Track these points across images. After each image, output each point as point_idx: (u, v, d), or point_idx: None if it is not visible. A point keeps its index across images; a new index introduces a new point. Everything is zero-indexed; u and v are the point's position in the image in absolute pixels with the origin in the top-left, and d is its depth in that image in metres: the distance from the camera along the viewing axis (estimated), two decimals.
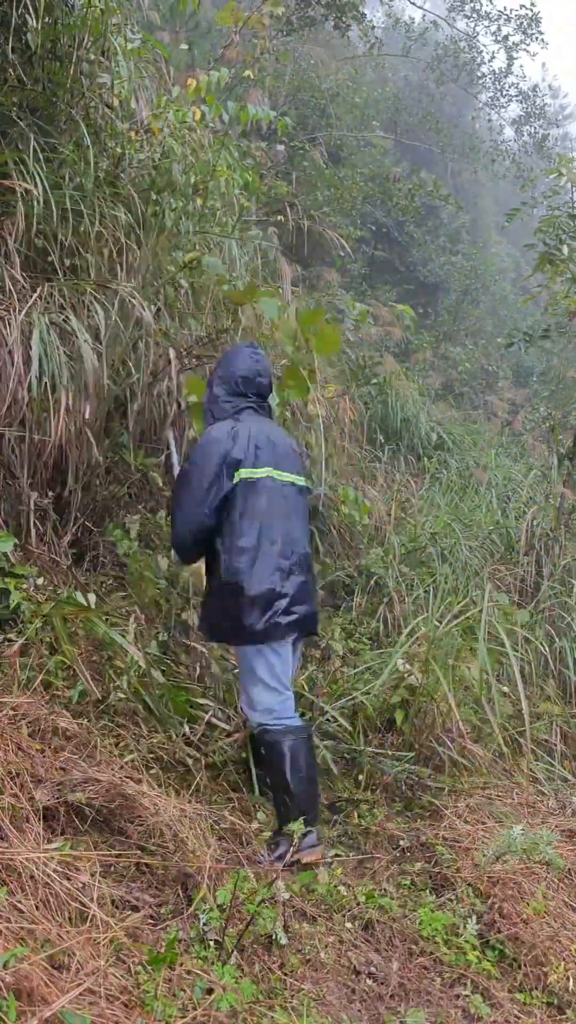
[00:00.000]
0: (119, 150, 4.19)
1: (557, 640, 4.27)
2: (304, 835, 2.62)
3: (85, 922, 1.93)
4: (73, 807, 2.29)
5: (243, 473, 2.87)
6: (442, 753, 3.35)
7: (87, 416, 3.35)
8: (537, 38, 15.01)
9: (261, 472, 2.89)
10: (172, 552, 3.32)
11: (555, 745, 3.71)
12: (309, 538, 3.12)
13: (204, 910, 2.18)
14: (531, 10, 14.77)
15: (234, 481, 2.86)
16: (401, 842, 2.93)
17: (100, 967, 1.80)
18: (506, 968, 2.39)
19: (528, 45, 15.51)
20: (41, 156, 3.61)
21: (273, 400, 3.30)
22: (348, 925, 2.46)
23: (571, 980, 2.33)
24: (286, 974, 2.15)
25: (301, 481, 3.06)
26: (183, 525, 2.90)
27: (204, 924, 2.15)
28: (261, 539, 2.82)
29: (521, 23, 14.92)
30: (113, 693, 2.93)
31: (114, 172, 4.18)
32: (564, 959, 2.38)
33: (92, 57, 4.01)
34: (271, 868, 2.52)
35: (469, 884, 2.60)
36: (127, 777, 2.49)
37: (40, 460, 3.31)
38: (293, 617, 2.82)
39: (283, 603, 2.80)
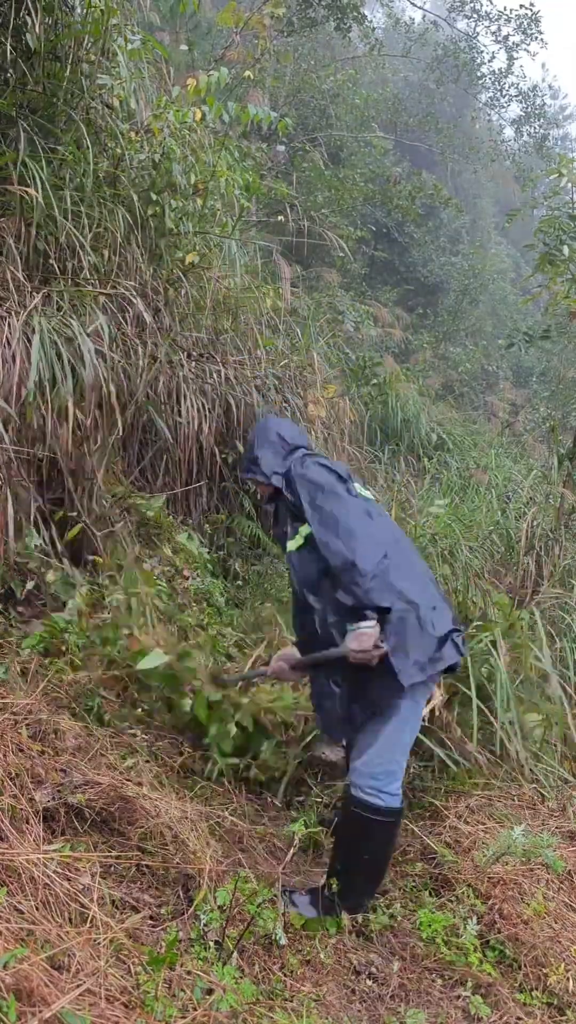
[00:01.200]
0: (119, 151, 4.19)
1: (557, 640, 4.27)
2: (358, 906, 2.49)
3: (85, 923, 1.93)
4: (73, 808, 2.29)
5: None
6: (443, 754, 3.35)
7: (88, 422, 3.36)
8: (537, 38, 15.05)
9: None
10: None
11: (555, 745, 3.71)
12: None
13: (205, 911, 2.18)
14: (531, 10, 14.81)
15: None
16: (401, 843, 2.92)
17: (100, 968, 1.80)
18: (506, 969, 2.39)
19: (528, 45, 15.56)
20: (41, 157, 3.61)
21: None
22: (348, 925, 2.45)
23: (571, 981, 2.33)
24: (286, 975, 2.15)
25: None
26: None
27: (204, 925, 2.15)
28: None
29: (521, 23, 14.96)
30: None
31: (114, 173, 4.18)
32: (564, 960, 2.38)
33: (92, 58, 4.02)
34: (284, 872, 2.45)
35: (469, 885, 2.60)
36: (127, 780, 2.49)
37: (40, 463, 3.31)
38: None
39: None
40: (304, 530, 2.51)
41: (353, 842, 2.48)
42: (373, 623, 2.30)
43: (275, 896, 2.28)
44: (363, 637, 2.29)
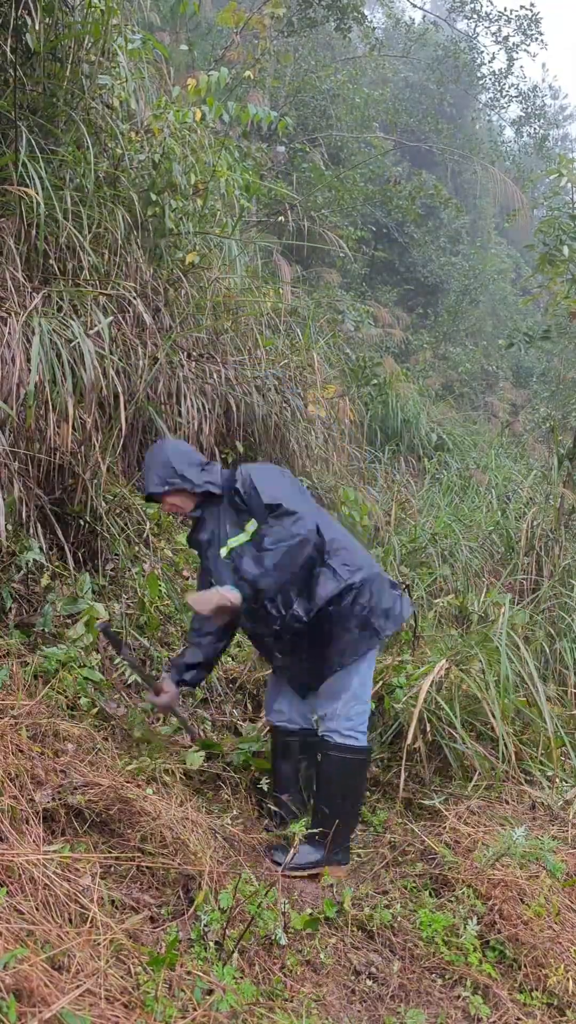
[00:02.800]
0: (119, 151, 4.19)
1: (557, 640, 4.27)
2: (341, 849, 2.73)
3: (85, 923, 1.93)
4: (73, 809, 2.28)
5: None
6: (445, 754, 3.35)
7: (88, 423, 3.36)
8: (537, 39, 15.04)
9: None
10: None
11: (555, 749, 3.71)
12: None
13: (205, 911, 2.18)
14: (531, 11, 14.81)
15: None
16: (401, 843, 2.93)
17: (100, 968, 1.80)
18: (506, 969, 2.39)
19: (528, 46, 15.56)
20: (41, 157, 3.60)
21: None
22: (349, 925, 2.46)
23: (571, 982, 2.33)
24: (286, 975, 2.15)
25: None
26: None
27: (205, 925, 2.15)
28: None
29: (521, 24, 14.96)
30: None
31: (114, 173, 4.18)
32: (564, 960, 2.38)
33: (92, 58, 4.02)
34: (284, 873, 2.54)
35: (469, 886, 2.60)
36: (127, 781, 2.49)
37: (40, 463, 3.31)
38: None
39: None
40: (250, 526, 2.70)
41: (338, 784, 2.77)
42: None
43: (275, 900, 2.29)
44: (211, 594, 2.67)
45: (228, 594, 2.59)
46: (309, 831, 2.62)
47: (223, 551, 2.74)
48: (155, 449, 2.89)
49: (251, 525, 2.70)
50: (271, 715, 2.99)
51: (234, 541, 2.72)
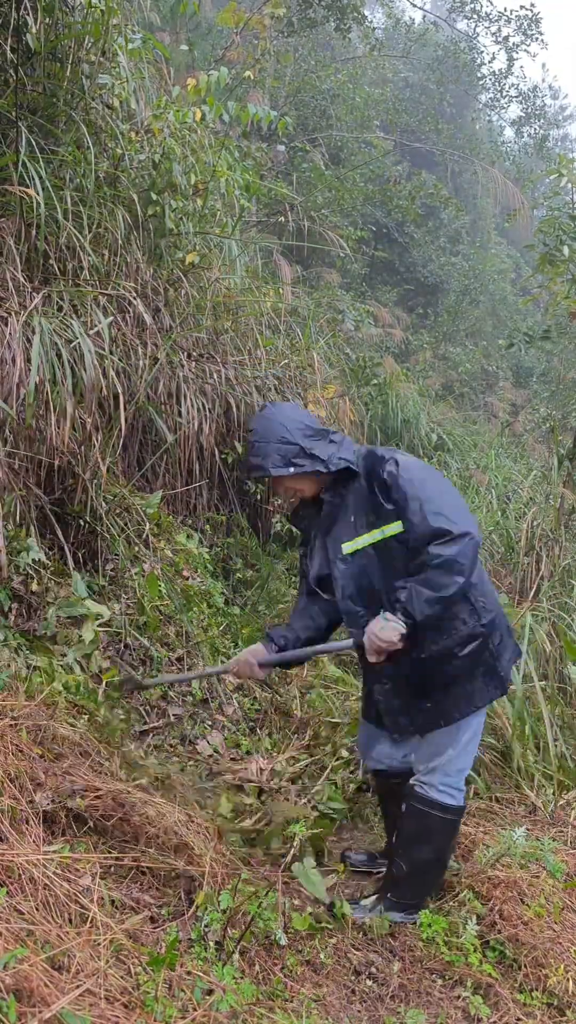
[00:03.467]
0: (119, 151, 4.19)
1: (557, 640, 4.27)
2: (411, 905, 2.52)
3: (85, 923, 1.93)
4: (72, 812, 2.28)
5: None
6: None
7: (88, 423, 3.36)
8: (537, 39, 15.04)
9: None
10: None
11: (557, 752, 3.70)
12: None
13: (206, 911, 2.18)
14: (531, 11, 14.80)
15: None
16: None
17: (100, 968, 1.80)
18: (506, 969, 2.39)
19: (528, 46, 15.55)
20: (41, 157, 3.60)
21: None
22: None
23: (571, 982, 2.33)
24: (286, 975, 2.15)
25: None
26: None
27: (205, 925, 2.15)
28: None
29: (521, 24, 14.95)
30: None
31: (114, 173, 4.18)
32: (564, 961, 2.38)
33: (93, 58, 4.02)
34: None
35: (469, 886, 2.60)
36: (127, 783, 2.48)
37: (40, 464, 3.31)
38: None
39: None
40: (393, 528, 2.29)
41: (421, 841, 2.50)
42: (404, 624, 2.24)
43: (275, 901, 2.28)
44: (391, 628, 2.23)
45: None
46: (383, 888, 2.57)
47: (347, 547, 2.36)
48: (268, 419, 2.40)
49: (393, 527, 2.29)
50: (370, 762, 2.71)
51: (363, 540, 2.34)
